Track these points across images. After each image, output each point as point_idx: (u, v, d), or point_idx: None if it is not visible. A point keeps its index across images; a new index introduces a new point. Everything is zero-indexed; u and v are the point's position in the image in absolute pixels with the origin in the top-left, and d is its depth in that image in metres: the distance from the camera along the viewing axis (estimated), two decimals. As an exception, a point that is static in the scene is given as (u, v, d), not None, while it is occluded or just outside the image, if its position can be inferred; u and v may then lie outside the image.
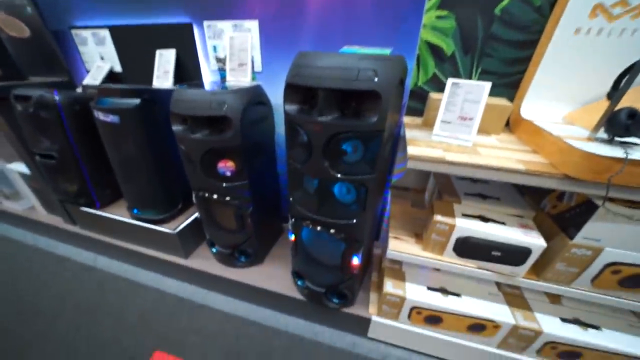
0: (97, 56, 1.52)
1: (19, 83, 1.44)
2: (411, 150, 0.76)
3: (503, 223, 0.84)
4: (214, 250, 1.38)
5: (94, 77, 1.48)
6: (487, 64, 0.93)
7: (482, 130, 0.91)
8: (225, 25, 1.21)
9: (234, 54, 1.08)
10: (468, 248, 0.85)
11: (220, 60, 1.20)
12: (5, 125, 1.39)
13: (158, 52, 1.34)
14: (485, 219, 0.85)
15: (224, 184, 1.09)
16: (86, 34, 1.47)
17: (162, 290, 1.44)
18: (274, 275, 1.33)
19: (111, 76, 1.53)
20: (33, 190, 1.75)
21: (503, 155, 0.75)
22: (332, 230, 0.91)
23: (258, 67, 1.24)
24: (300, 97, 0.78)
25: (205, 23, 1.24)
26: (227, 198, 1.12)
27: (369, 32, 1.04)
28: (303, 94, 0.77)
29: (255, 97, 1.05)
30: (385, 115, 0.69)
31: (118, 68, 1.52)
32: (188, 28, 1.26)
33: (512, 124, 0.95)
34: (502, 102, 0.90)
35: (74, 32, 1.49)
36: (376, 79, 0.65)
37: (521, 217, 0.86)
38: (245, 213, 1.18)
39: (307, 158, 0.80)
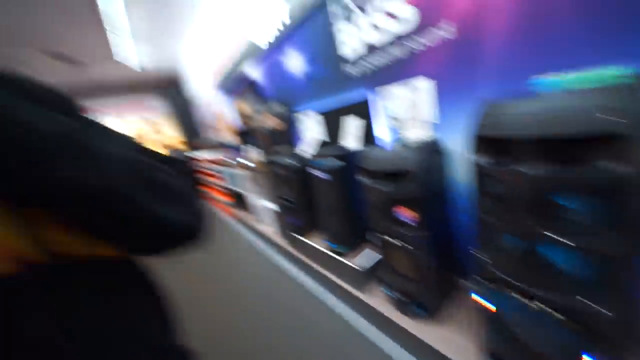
0: (311, 130, 2.23)
1: (272, 152, 2.39)
2: None
3: None
4: (387, 292, 1.46)
5: (310, 145, 2.17)
6: None
7: None
8: (397, 88, 1.39)
9: (407, 112, 1.22)
10: None
11: (396, 119, 1.38)
12: (268, 178, 2.32)
13: (347, 121, 1.75)
14: None
15: (403, 231, 1.18)
16: (303, 116, 2.21)
17: (337, 313, 1.66)
18: (453, 340, 1.17)
19: (320, 144, 2.16)
20: (274, 219, 2.71)
21: None
22: (551, 311, 0.70)
23: (433, 118, 1.29)
24: (493, 148, 0.73)
25: (378, 89, 1.49)
26: (405, 244, 1.19)
27: (574, 49, 0.82)
28: (496, 144, 0.72)
29: (432, 150, 1.10)
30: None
31: (324, 137, 2.13)
32: (367, 99, 1.57)
33: None
34: None
35: (298, 116, 2.29)
36: (615, 118, 0.50)
37: None
38: (420, 261, 1.18)
39: (505, 212, 0.71)
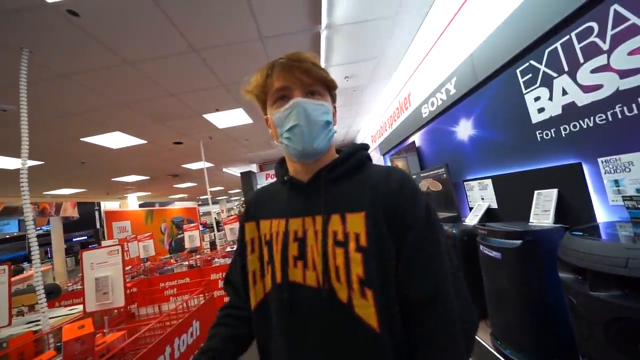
0: (479, 198, 1.98)
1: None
2: None
3: None
4: None
5: (475, 214, 1.92)
6: None
7: None
8: (635, 157, 1.00)
9: (660, 193, 0.83)
10: None
11: (630, 198, 0.97)
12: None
13: (536, 192, 1.42)
14: None
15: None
16: (473, 183, 2.01)
17: None
18: None
19: (488, 212, 1.87)
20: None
21: None
22: None
23: None
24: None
25: (600, 159, 1.13)
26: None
27: None
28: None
29: None
30: None
31: (494, 205, 1.83)
32: (576, 167, 1.23)
33: None
34: None
35: (465, 183, 2.12)
36: None
37: None
38: None
39: None
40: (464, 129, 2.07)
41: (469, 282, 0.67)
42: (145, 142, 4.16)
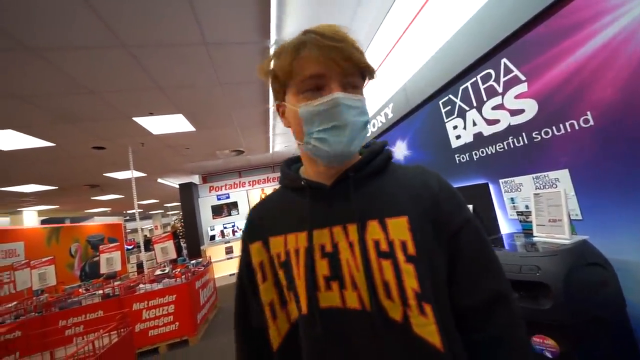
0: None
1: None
2: None
3: None
4: None
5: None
6: None
7: None
8: (524, 180, 1.24)
9: (541, 209, 1.03)
10: None
11: (522, 214, 1.18)
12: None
13: (457, 208, 1.63)
14: None
15: (542, 366, 0.86)
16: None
17: None
18: None
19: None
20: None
21: None
22: None
23: (575, 214, 1.04)
24: None
25: (501, 180, 1.36)
26: (549, 389, 0.85)
27: None
28: None
29: (583, 258, 0.85)
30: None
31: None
32: (484, 187, 1.45)
33: None
34: None
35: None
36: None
37: None
38: None
39: None
40: (400, 150, 2.28)
41: None
42: (53, 144, 3.43)
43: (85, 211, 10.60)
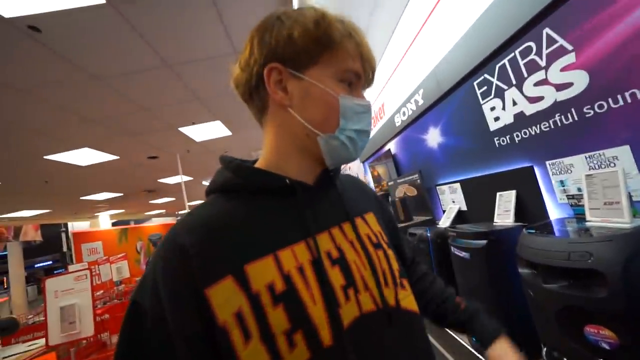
0: (450, 201, 2.10)
1: (410, 224, 2.38)
2: None
3: None
4: None
5: (447, 216, 2.02)
6: None
7: None
8: (575, 160, 1.13)
9: (595, 191, 0.94)
10: None
11: (572, 197, 1.09)
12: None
13: (498, 194, 1.54)
14: None
15: (594, 355, 0.81)
16: (444, 188, 2.13)
17: None
18: None
19: (459, 214, 1.98)
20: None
21: None
22: None
23: (638, 195, 0.93)
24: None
25: (548, 162, 1.25)
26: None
27: None
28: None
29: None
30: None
31: (464, 207, 1.94)
32: (529, 170, 1.35)
33: None
34: None
35: (437, 187, 2.24)
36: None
37: None
38: None
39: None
40: (433, 137, 2.19)
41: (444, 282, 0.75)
42: (117, 157, 3.99)
43: (145, 213, 12.08)
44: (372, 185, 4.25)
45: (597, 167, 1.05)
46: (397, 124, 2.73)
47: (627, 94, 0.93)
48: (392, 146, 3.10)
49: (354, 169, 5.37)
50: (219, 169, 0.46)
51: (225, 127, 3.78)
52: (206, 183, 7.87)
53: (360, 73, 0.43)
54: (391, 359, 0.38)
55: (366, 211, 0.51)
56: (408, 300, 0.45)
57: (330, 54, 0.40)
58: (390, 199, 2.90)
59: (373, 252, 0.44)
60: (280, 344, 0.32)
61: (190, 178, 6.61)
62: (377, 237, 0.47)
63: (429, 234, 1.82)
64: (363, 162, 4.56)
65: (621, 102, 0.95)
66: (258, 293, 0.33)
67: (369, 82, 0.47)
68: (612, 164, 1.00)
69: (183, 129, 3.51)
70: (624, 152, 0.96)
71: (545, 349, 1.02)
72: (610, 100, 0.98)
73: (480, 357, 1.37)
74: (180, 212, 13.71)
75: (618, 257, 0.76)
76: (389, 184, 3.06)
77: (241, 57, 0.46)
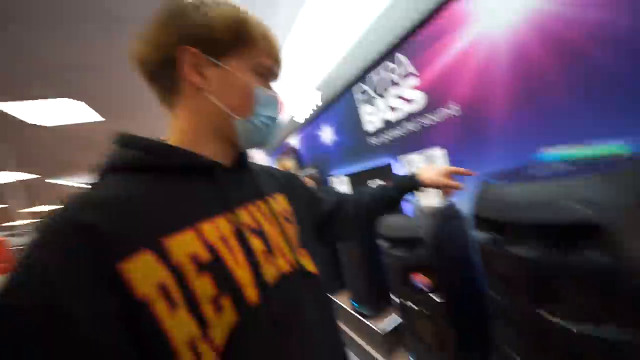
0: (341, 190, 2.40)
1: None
2: None
3: None
4: (411, 357, 1.32)
5: (338, 205, 2.31)
6: None
7: None
8: (416, 157, 1.52)
9: (424, 181, 1.30)
10: None
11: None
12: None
13: (370, 183, 1.88)
14: None
15: (419, 297, 1.14)
16: (335, 179, 2.41)
17: None
18: None
19: (347, 203, 2.29)
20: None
21: None
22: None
23: (448, 183, 1.35)
24: (490, 227, 0.76)
25: (401, 157, 1.63)
26: (421, 310, 1.14)
27: (577, 126, 0.86)
28: (492, 224, 0.75)
29: (447, 215, 1.14)
30: (622, 248, 0.51)
31: (350, 197, 2.27)
32: (388, 167, 1.71)
33: None
34: None
35: (331, 179, 2.51)
36: (590, 211, 0.53)
37: None
38: (438, 328, 1.09)
39: (506, 290, 0.70)
40: (327, 134, 2.44)
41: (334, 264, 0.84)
42: None
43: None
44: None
45: (428, 162, 1.45)
46: (300, 121, 2.87)
47: (443, 112, 1.31)
48: (294, 141, 3.24)
49: (261, 162, 5.29)
50: (115, 148, 0.42)
51: (92, 111, 2.94)
52: (61, 182, 5.94)
53: (271, 69, 0.50)
54: (309, 313, 0.47)
55: (276, 192, 0.58)
56: (312, 265, 0.54)
57: (249, 49, 0.46)
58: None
59: (285, 224, 0.53)
60: (206, 310, 0.34)
61: (34, 176, 4.82)
62: (287, 213, 0.56)
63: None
64: (270, 156, 4.56)
65: (440, 119, 1.33)
66: (180, 264, 0.34)
67: (276, 77, 0.54)
68: (435, 161, 1.40)
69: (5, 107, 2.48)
70: (442, 154, 1.36)
71: (396, 299, 1.34)
72: (435, 115, 1.36)
73: (364, 320, 1.64)
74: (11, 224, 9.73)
75: (431, 226, 1.08)
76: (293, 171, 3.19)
77: (147, 34, 0.43)
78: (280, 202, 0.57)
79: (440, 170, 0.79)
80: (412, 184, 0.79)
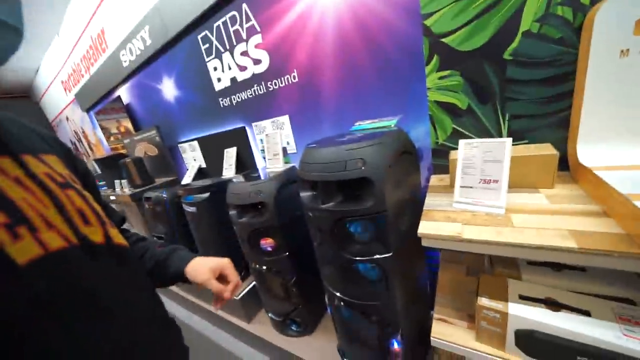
0: (192, 159, 2.09)
1: (149, 187, 2.10)
2: (423, 227, 0.69)
3: (587, 313, 0.60)
4: (270, 316, 1.47)
5: (189, 175, 2.02)
6: (515, 108, 0.81)
7: (528, 185, 0.75)
8: (267, 123, 1.50)
9: (270, 147, 1.31)
10: (536, 345, 0.64)
11: (263, 151, 1.46)
12: (139, 215, 2.01)
13: (225, 151, 1.74)
14: (556, 305, 0.64)
15: (267, 258, 1.22)
16: (185, 146, 2.07)
17: (229, 351, 1.58)
18: (320, 348, 1.29)
19: (200, 171, 2.04)
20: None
21: (550, 222, 0.59)
22: (361, 312, 0.86)
23: (293, 149, 1.44)
24: (310, 186, 0.86)
25: (253, 124, 1.57)
26: (272, 269, 1.23)
27: (379, 105, 1.10)
28: (312, 183, 0.86)
29: (288, 179, 1.21)
30: (382, 196, 0.69)
31: (204, 165, 2.03)
32: (243, 130, 1.62)
33: (572, 172, 0.75)
34: (545, 149, 0.74)
35: (180, 145, 2.13)
36: (363, 167, 0.68)
37: (623, 302, 0.60)
38: (289, 283, 1.25)
39: (321, 238, 0.84)
40: (169, 89, 1.98)
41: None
42: None
43: None
44: (106, 146, 3.26)
45: (277, 129, 1.46)
46: (125, 64, 2.15)
47: (284, 78, 1.32)
48: (122, 93, 2.45)
49: (77, 122, 3.77)
50: None
51: None
52: None
53: None
54: (103, 292, 0.41)
55: (44, 152, 0.46)
56: (117, 236, 0.49)
57: None
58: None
59: (59, 190, 0.42)
60: None
61: None
62: (64, 178, 0.46)
63: (165, 196, 1.72)
64: (87, 112, 3.29)
65: (283, 83, 1.34)
66: None
67: None
68: (282, 128, 1.43)
69: None
70: (286, 120, 1.40)
71: (249, 264, 1.38)
72: (279, 80, 1.35)
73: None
74: None
75: (272, 191, 1.13)
76: (125, 142, 2.47)
77: None
78: (53, 164, 0.46)
79: (216, 267, 0.68)
80: (181, 276, 0.65)
